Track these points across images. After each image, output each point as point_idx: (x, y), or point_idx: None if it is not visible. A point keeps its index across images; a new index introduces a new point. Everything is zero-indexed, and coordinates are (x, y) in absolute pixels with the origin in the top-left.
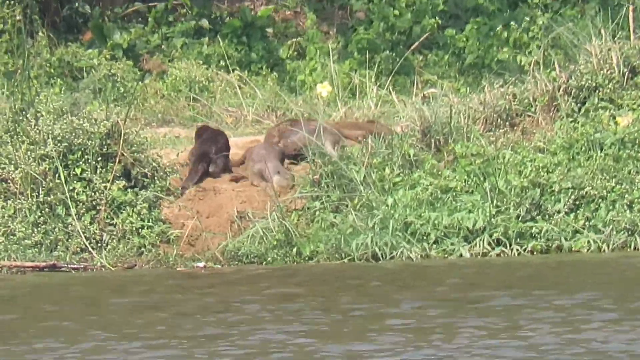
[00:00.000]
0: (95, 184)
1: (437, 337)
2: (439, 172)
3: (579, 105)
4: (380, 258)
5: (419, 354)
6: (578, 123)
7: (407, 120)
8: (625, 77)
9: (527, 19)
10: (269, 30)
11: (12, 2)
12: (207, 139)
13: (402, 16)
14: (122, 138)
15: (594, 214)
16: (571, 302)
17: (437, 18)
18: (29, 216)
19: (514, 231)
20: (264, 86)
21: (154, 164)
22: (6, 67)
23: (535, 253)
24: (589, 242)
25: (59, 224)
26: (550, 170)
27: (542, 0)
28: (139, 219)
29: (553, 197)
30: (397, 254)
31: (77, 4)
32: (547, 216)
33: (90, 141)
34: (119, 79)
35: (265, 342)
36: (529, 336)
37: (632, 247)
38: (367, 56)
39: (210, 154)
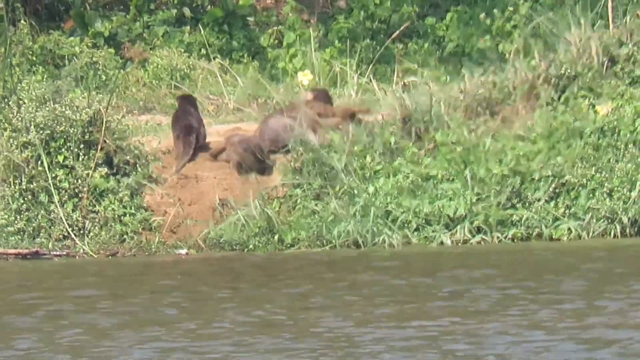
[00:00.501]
0: (78, 171)
1: None
2: (420, 160)
3: (558, 93)
4: (362, 245)
5: None
6: (558, 111)
7: (388, 108)
8: (605, 66)
9: (511, 8)
10: (250, 18)
11: None
12: (186, 111)
13: (382, 5)
14: (104, 126)
15: (574, 201)
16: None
17: (415, 6)
18: (12, 203)
19: (494, 219)
20: (245, 74)
21: (136, 151)
22: None
23: (515, 240)
24: (569, 229)
25: (42, 211)
26: (531, 159)
27: None
28: (121, 206)
29: (533, 185)
30: (378, 241)
31: None
32: (527, 204)
33: (72, 129)
34: (100, 67)
35: None
36: None
37: (612, 235)
38: (348, 44)
39: (193, 125)
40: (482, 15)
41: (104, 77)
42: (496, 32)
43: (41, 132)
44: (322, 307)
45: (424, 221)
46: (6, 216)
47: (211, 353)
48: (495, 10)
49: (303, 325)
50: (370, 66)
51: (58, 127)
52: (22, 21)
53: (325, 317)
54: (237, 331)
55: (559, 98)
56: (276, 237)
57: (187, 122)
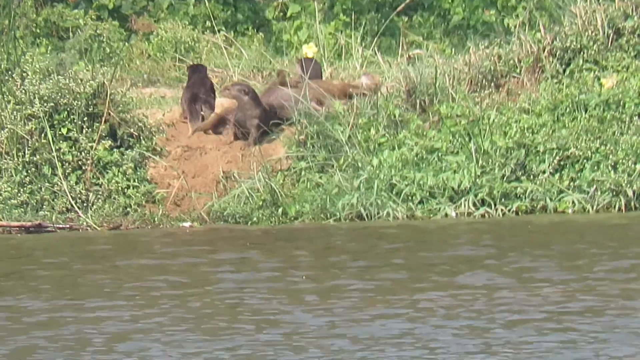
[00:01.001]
0: (82, 143)
1: None
2: (424, 133)
3: (563, 66)
4: (366, 218)
5: None
6: (563, 84)
7: (393, 81)
8: (610, 38)
9: None
10: None
11: None
12: (195, 81)
13: None
14: (108, 98)
15: (578, 174)
16: None
17: None
18: (15, 176)
19: (498, 191)
20: (250, 47)
21: (140, 124)
22: None
23: (520, 213)
24: (573, 202)
25: (45, 184)
26: (535, 131)
27: None
28: (124, 179)
29: (538, 158)
30: (382, 214)
31: None
32: (531, 177)
33: (76, 101)
34: (104, 40)
35: None
36: None
37: (616, 208)
38: (353, 17)
39: (200, 95)
40: None
41: (108, 50)
42: (501, 5)
43: (45, 104)
44: None
45: (428, 194)
46: (9, 189)
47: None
48: None
49: None
50: (375, 39)
51: (62, 99)
52: None
53: None
54: None
55: (564, 71)
56: (280, 210)
57: (193, 92)
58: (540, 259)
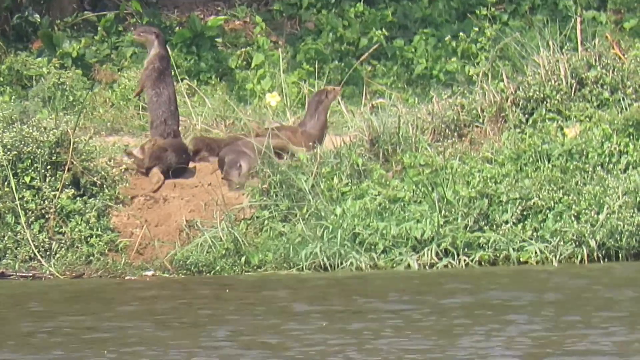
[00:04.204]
0: (45, 192)
1: None
2: (387, 182)
3: (526, 116)
4: (329, 268)
5: None
6: (526, 134)
7: (356, 130)
8: (573, 88)
9: (476, 29)
10: (219, 40)
11: None
12: None
13: (350, 27)
14: (71, 147)
15: (541, 224)
16: None
17: (384, 30)
18: None
19: (461, 241)
20: (213, 95)
21: (103, 172)
22: None
23: (483, 263)
24: (536, 252)
25: (8, 232)
26: (498, 181)
27: (490, 11)
28: (87, 227)
29: (501, 208)
30: (346, 264)
31: (26, 13)
32: (494, 226)
33: (39, 149)
34: (68, 88)
35: None
36: None
37: (579, 258)
38: (316, 66)
39: None
40: (448, 38)
41: (71, 98)
42: (461, 54)
43: (8, 152)
44: None
45: (391, 244)
46: None
47: None
48: (461, 34)
49: None
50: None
51: (25, 147)
52: None
53: None
54: None
55: (527, 120)
56: (243, 259)
57: None
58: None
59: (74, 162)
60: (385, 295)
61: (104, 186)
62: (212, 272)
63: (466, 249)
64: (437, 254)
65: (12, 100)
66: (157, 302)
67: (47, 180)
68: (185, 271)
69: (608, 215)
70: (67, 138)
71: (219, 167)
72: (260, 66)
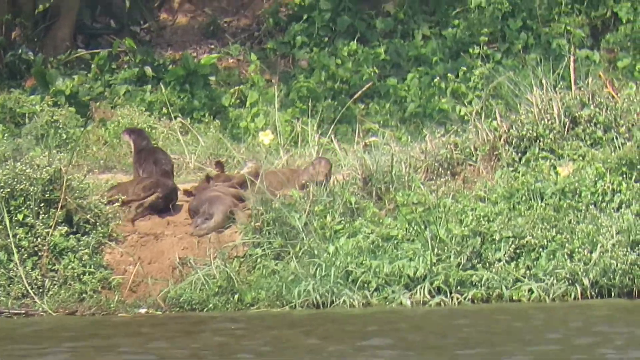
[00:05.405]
0: (38, 229)
1: None
2: (381, 220)
3: (519, 154)
4: (322, 306)
5: None
6: (519, 172)
7: (349, 168)
8: (566, 127)
9: (467, 68)
10: (212, 78)
11: None
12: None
13: (343, 65)
14: (64, 184)
15: (534, 263)
16: None
17: (375, 67)
18: None
19: (454, 279)
20: (206, 133)
21: (96, 210)
22: None
23: (475, 301)
24: (529, 291)
25: (1, 269)
26: (491, 219)
27: (484, 50)
28: (80, 265)
29: (494, 246)
30: (338, 302)
31: (20, 50)
32: (487, 265)
33: (32, 187)
34: (61, 125)
35: None
36: None
37: (572, 297)
38: (310, 104)
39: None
40: (437, 79)
41: (64, 136)
42: (454, 93)
43: (1, 190)
44: None
45: (384, 282)
46: None
47: None
48: (450, 74)
49: None
50: (332, 126)
51: (18, 185)
52: None
53: None
54: None
55: (520, 159)
56: (236, 296)
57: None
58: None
59: (67, 200)
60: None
61: (97, 223)
62: (205, 310)
63: (459, 287)
64: (429, 292)
65: (5, 138)
66: (151, 339)
67: (40, 217)
68: (178, 309)
69: (601, 254)
70: (61, 175)
71: (190, 216)
72: (254, 104)
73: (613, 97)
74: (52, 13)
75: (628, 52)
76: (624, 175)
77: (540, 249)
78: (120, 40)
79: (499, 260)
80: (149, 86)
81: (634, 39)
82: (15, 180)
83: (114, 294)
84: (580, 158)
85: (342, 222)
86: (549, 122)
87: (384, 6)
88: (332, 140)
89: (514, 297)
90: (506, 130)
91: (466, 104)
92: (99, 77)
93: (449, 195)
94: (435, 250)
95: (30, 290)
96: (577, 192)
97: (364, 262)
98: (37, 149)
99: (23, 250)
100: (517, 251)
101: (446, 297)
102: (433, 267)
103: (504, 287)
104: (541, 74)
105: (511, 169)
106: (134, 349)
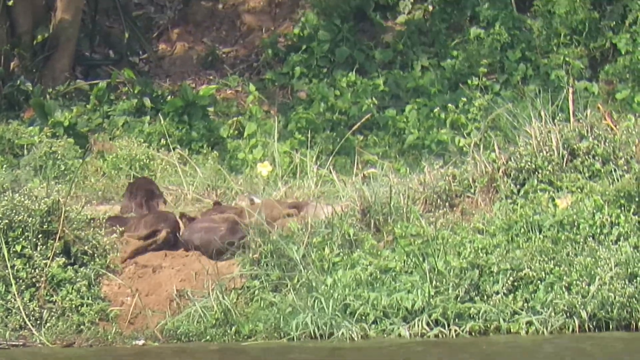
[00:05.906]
0: (36, 260)
1: None
2: (379, 252)
3: (518, 186)
4: (319, 338)
5: None
6: (517, 204)
7: (347, 199)
8: (565, 159)
9: (466, 99)
10: (210, 109)
11: None
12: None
13: (342, 96)
14: (62, 216)
15: (532, 295)
16: None
17: (374, 98)
18: None
19: (452, 312)
20: (205, 165)
21: (94, 241)
22: None
23: (473, 334)
24: (527, 323)
25: None
26: (489, 252)
27: (482, 81)
28: (78, 296)
29: (492, 278)
30: (337, 334)
31: (18, 81)
32: (485, 297)
33: (30, 218)
34: (59, 157)
35: None
36: None
37: (570, 330)
38: (308, 135)
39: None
40: (437, 110)
41: (63, 167)
42: (453, 124)
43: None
44: None
45: (382, 314)
46: None
47: None
48: (449, 105)
49: None
50: (330, 157)
51: (16, 216)
52: None
53: None
54: None
55: (519, 191)
56: (233, 329)
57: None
58: None
59: (65, 231)
60: None
61: (95, 255)
62: (202, 341)
63: (457, 319)
64: (427, 324)
65: (3, 169)
66: None
67: (38, 248)
68: (175, 340)
69: (599, 287)
70: (59, 207)
71: (185, 249)
72: (252, 135)
73: (612, 129)
74: (51, 44)
75: (627, 84)
76: (622, 208)
77: (538, 282)
78: (119, 71)
79: (497, 292)
80: (148, 117)
81: (633, 70)
82: (14, 211)
83: (111, 326)
84: (579, 190)
85: (341, 254)
86: (548, 154)
87: (382, 37)
88: (330, 172)
89: (511, 330)
90: (504, 162)
91: (465, 135)
92: (97, 108)
93: (447, 227)
94: (434, 282)
95: (28, 322)
96: (576, 224)
97: (362, 294)
98: (35, 180)
99: (21, 281)
100: (515, 283)
101: (444, 329)
102: (431, 300)
103: (501, 320)
104: (540, 106)
105: (509, 201)
106: None
